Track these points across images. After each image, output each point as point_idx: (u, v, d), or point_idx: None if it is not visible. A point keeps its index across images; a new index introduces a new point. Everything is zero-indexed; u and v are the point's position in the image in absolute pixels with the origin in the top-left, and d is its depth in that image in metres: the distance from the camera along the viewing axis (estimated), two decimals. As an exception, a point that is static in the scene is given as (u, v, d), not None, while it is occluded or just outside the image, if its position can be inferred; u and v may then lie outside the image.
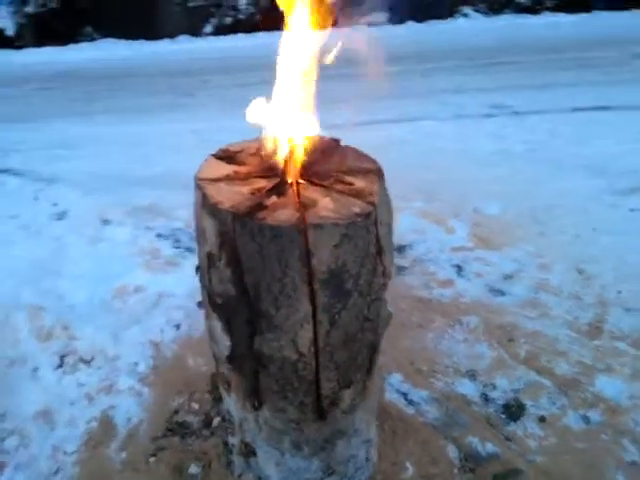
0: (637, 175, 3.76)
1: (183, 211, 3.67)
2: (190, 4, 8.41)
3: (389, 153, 4.34)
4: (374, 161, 1.52)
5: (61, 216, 3.56)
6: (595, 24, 7.98)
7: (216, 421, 2.11)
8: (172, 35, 8.35)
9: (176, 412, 2.16)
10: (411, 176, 3.86)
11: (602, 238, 3.09)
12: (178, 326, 2.59)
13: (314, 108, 1.48)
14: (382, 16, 8.51)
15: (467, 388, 2.18)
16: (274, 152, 1.48)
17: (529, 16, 8.68)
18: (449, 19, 8.56)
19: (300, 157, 1.46)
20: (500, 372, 2.25)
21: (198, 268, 1.56)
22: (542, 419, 2.04)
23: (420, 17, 8.59)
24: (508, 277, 2.82)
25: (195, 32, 8.52)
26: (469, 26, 8.29)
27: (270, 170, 1.47)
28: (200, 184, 1.40)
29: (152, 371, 2.34)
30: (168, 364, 2.37)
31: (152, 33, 8.39)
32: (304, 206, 1.30)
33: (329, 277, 1.32)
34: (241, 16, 8.53)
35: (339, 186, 1.39)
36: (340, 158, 1.54)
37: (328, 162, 1.51)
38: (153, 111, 5.84)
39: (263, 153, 1.51)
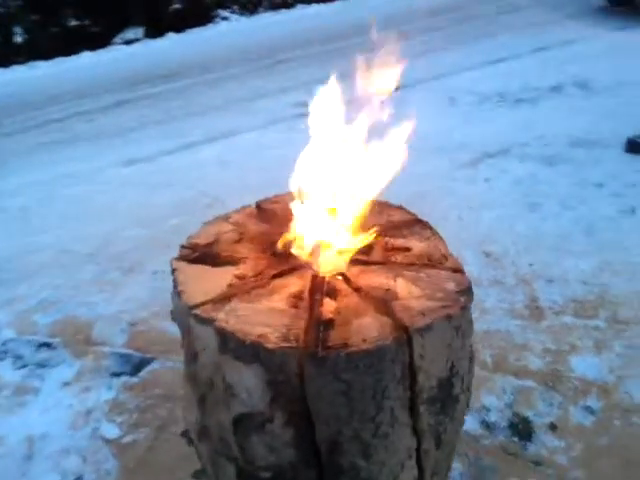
0: (470, 147, 3.88)
1: (3, 312, 2.80)
2: None
3: (220, 179, 3.91)
4: (399, 207, 1.14)
5: None
6: (352, 10, 8.32)
7: None
8: None
9: None
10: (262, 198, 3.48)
11: (483, 214, 3.09)
12: (80, 479, 1.89)
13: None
14: (139, 31, 7.84)
15: (463, 421, 1.93)
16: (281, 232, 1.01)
17: (285, 11, 8.74)
18: (209, 25, 8.21)
19: (321, 230, 1.01)
20: (481, 388, 2.04)
21: (190, 436, 1.02)
22: (553, 427, 1.89)
23: (179, 27, 8.08)
24: (424, 280, 2.63)
25: None
26: (233, 29, 8.03)
27: (282, 257, 1.00)
28: (204, 317, 0.87)
29: None
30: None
31: None
32: (383, 303, 0.88)
33: (437, 391, 0.92)
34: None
35: (398, 256, 0.99)
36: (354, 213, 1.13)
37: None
38: None
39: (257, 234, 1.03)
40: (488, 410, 1.97)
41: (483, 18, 7.30)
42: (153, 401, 2.12)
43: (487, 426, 1.91)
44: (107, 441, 2.00)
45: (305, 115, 4.81)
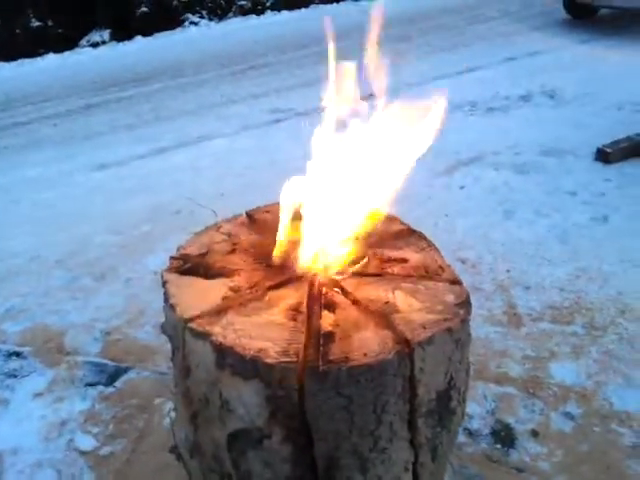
0: (444, 154, 3.90)
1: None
2: None
3: (193, 185, 3.85)
4: (393, 217, 1.13)
5: None
6: (322, 17, 8.31)
7: None
8: None
9: None
10: (236, 204, 3.45)
11: (458, 221, 3.11)
12: (55, 493, 1.82)
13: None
14: (105, 34, 7.70)
15: (446, 429, 1.93)
16: (276, 242, 0.99)
17: (254, 17, 8.71)
18: (179, 29, 8.11)
19: (315, 237, 0.99)
20: (463, 397, 2.05)
21: (179, 452, 0.99)
22: (534, 433, 1.90)
23: (147, 31, 7.96)
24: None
25: None
26: (202, 34, 7.95)
27: (276, 268, 0.98)
28: (199, 331, 0.84)
29: None
30: None
31: None
32: (383, 316, 0.87)
33: (436, 403, 0.91)
34: None
35: (395, 268, 0.98)
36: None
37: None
38: None
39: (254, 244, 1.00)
40: (470, 417, 1.97)
41: (453, 28, 7.41)
42: (130, 411, 2.07)
43: (470, 433, 1.92)
44: (83, 453, 1.94)
45: (280, 121, 4.79)
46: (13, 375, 2.32)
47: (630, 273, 2.58)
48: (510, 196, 3.32)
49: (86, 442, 1.98)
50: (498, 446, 1.87)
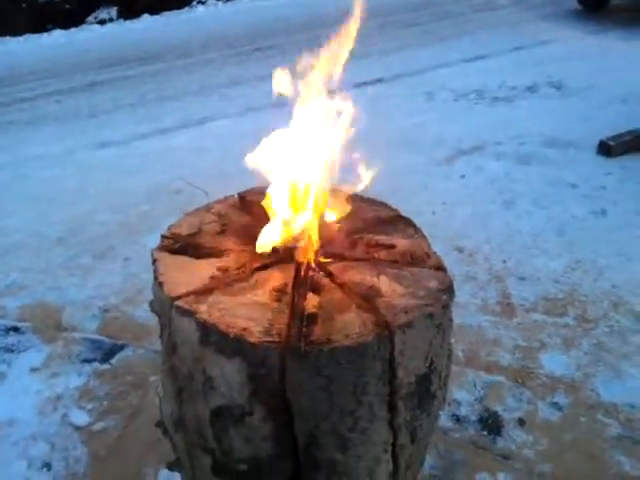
0: (446, 143, 3.91)
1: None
2: None
3: (194, 166, 3.85)
4: (383, 203, 1.14)
5: None
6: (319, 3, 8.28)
7: None
8: None
9: None
10: (236, 186, 3.45)
11: (456, 210, 3.12)
12: (48, 466, 1.86)
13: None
14: (112, 11, 7.65)
15: (434, 415, 1.96)
16: (262, 221, 1.00)
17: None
18: (186, 8, 8.06)
19: (304, 220, 1.00)
20: (453, 383, 2.07)
21: (165, 427, 1.01)
22: (521, 422, 1.93)
23: (154, 9, 7.91)
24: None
25: None
26: (210, 13, 7.91)
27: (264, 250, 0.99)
28: (185, 309, 0.86)
29: None
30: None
31: None
32: (366, 299, 0.88)
33: (416, 386, 0.93)
34: None
35: (381, 253, 0.99)
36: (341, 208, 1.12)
37: (332, 219, 1.08)
38: None
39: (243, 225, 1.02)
40: (459, 404, 2.00)
41: (460, 15, 7.34)
42: (124, 388, 2.10)
43: (457, 420, 1.95)
44: (77, 428, 1.98)
45: (283, 104, 4.74)
46: (11, 350, 2.35)
47: (625, 267, 2.59)
48: (510, 186, 3.32)
49: (80, 417, 2.02)
50: (485, 433, 1.90)
